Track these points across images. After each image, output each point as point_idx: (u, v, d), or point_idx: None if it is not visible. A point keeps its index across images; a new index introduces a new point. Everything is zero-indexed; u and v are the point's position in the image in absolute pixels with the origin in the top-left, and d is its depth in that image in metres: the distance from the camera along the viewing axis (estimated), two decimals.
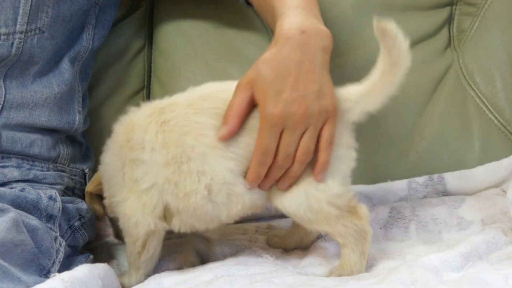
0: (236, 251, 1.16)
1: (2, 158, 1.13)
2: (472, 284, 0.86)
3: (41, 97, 1.16)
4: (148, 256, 1.08)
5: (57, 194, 1.13)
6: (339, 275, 1.03)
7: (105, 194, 1.11)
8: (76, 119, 1.22)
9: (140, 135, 1.04)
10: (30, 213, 1.07)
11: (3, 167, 1.12)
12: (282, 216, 1.28)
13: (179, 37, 1.40)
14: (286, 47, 0.99)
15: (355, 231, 1.03)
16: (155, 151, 1.03)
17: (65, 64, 1.20)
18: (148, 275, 1.10)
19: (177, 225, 1.06)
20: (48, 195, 1.11)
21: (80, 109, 1.24)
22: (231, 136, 1.00)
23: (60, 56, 1.20)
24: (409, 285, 0.87)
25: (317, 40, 1.01)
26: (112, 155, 1.08)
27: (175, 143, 1.02)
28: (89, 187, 1.15)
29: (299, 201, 1.02)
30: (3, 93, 1.13)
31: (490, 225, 1.13)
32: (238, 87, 1.00)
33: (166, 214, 1.05)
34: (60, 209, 1.12)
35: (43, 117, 1.17)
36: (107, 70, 1.37)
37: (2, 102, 1.13)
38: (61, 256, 1.06)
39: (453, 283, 0.87)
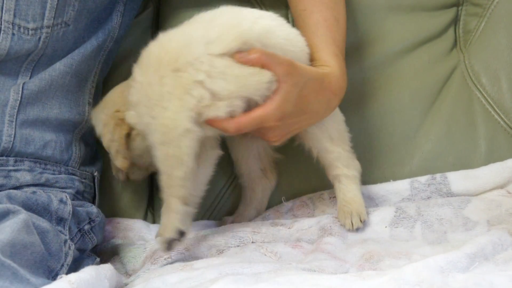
0: (239, 244, 1.17)
1: (15, 161, 1.13)
2: (478, 285, 0.86)
3: (58, 79, 1.17)
4: (188, 171, 1.07)
5: (68, 197, 1.14)
6: (350, 211, 1.18)
7: (135, 120, 1.13)
8: (86, 110, 1.23)
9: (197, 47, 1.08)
10: (41, 215, 1.07)
11: (16, 170, 1.13)
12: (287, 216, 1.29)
13: None
14: (326, 94, 1.15)
15: (358, 167, 1.23)
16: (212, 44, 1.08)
17: (90, 48, 1.21)
18: (187, 204, 1.09)
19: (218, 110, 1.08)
20: (58, 198, 1.12)
21: (91, 100, 1.24)
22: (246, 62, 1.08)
23: (84, 43, 1.21)
24: (415, 285, 0.87)
25: (338, 103, 1.20)
26: (147, 74, 1.10)
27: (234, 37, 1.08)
28: (108, 112, 1.18)
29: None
30: (20, 90, 1.14)
31: (496, 226, 1.13)
32: (285, 62, 1.08)
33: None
34: (71, 212, 1.12)
35: (55, 109, 1.18)
36: (114, 71, 1.38)
37: (19, 99, 1.14)
38: (69, 259, 1.06)
39: (458, 284, 0.87)
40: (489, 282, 0.86)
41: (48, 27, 1.13)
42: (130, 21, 1.30)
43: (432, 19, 1.39)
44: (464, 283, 0.87)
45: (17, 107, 1.14)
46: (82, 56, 1.20)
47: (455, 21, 1.40)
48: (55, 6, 1.13)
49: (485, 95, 1.36)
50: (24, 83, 1.14)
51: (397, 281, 0.88)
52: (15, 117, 1.13)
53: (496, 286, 0.86)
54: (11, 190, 1.08)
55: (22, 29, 1.11)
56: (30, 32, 1.12)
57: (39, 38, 1.13)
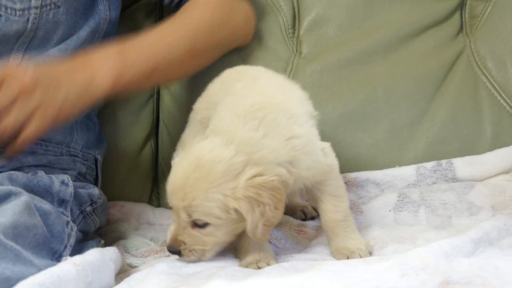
0: None
1: None
2: (483, 270, 0.86)
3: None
4: None
5: (69, 179, 1.13)
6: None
7: None
8: None
9: None
10: (42, 197, 1.07)
11: None
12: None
13: None
14: None
15: None
16: None
17: (84, 34, 1.21)
18: None
19: None
20: (60, 180, 1.12)
21: None
22: None
23: (78, 29, 1.21)
24: (419, 270, 0.86)
25: None
26: None
27: None
28: None
29: None
30: None
31: (500, 211, 1.13)
32: None
33: None
34: (72, 194, 1.12)
35: None
36: None
37: None
38: (72, 240, 1.06)
39: (463, 269, 0.87)
40: (494, 267, 0.86)
41: (36, 7, 1.13)
42: (119, 2, 1.29)
43: (437, 3, 1.38)
44: (469, 268, 0.87)
45: None
46: (76, 41, 1.20)
47: (461, 5, 1.39)
48: None
49: (491, 80, 1.35)
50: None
51: (402, 265, 0.88)
52: None
53: (501, 271, 0.85)
54: (12, 172, 1.08)
55: (9, 10, 1.12)
56: (18, 13, 1.12)
57: (28, 19, 1.13)
